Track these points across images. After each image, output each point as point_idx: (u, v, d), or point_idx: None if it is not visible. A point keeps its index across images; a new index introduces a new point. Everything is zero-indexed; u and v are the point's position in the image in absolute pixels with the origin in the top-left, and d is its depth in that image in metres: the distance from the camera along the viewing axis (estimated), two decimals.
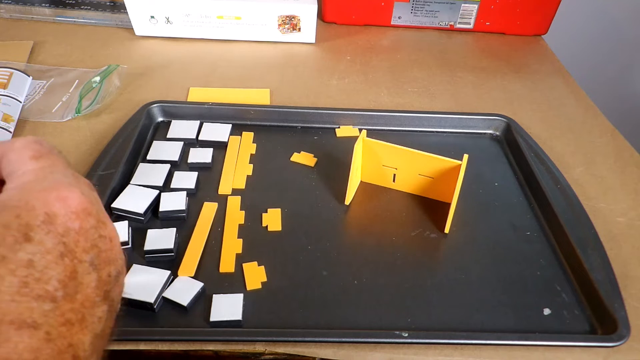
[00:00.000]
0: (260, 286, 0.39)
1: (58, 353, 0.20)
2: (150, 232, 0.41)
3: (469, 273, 0.42)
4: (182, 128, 0.53)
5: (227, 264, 0.41)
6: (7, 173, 0.24)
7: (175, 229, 0.42)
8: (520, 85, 0.68)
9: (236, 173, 0.49)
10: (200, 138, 0.53)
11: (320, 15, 0.80)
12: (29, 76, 0.58)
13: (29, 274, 0.20)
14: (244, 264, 0.41)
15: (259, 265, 0.41)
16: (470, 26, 0.80)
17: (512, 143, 0.56)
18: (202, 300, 0.38)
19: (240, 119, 0.55)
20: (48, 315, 0.20)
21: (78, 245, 0.22)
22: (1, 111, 0.51)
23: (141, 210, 0.43)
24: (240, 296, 0.38)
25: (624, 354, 0.37)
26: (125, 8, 0.68)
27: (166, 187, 0.47)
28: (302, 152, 0.53)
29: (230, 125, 0.54)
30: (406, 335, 0.36)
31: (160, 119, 0.55)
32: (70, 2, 0.76)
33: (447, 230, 0.45)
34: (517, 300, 0.40)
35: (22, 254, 0.20)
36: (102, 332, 0.23)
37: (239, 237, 0.43)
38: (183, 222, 0.44)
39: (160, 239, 0.41)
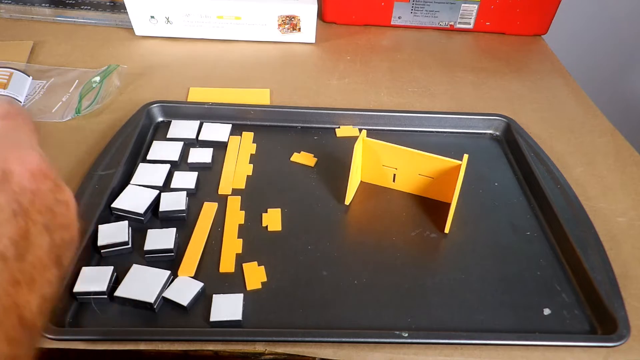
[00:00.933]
0: (260, 286, 0.39)
1: (2, 310, 0.19)
2: (150, 232, 0.41)
3: (469, 273, 0.42)
4: (182, 128, 0.53)
5: (227, 264, 0.41)
6: None
7: (175, 229, 0.42)
8: (520, 85, 0.68)
9: (236, 173, 0.49)
10: (200, 138, 0.53)
11: (320, 15, 0.80)
12: (29, 76, 0.58)
13: None
14: (244, 264, 0.41)
15: (259, 265, 0.41)
16: (470, 26, 0.80)
17: (512, 143, 0.56)
18: (202, 300, 0.38)
19: (240, 119, 0.55)
20: None
21: (33, 205, 0.21)
22: None
23: (141, 210, 0.43)
24: (240, 296, 0.38)
25: (624, 354, 0.37)
26: (125, 8, 0.68)
27: (166, 187, 0.47)
28: (302, 152, 0.53)
29: (230, 125, 0.54)
30: (406, 335, 0.36)
31: (160, 119, 0.55)
32: (70, 2, 0.76)
33: (447, 230, 0.45)
34: (517, 300, 0.40)
35: None
36: (50, 295, 0.22)
37: (239, 237, 0.43)
38: (183, 222, 0.44)
39: (160, 239, 0.41)
